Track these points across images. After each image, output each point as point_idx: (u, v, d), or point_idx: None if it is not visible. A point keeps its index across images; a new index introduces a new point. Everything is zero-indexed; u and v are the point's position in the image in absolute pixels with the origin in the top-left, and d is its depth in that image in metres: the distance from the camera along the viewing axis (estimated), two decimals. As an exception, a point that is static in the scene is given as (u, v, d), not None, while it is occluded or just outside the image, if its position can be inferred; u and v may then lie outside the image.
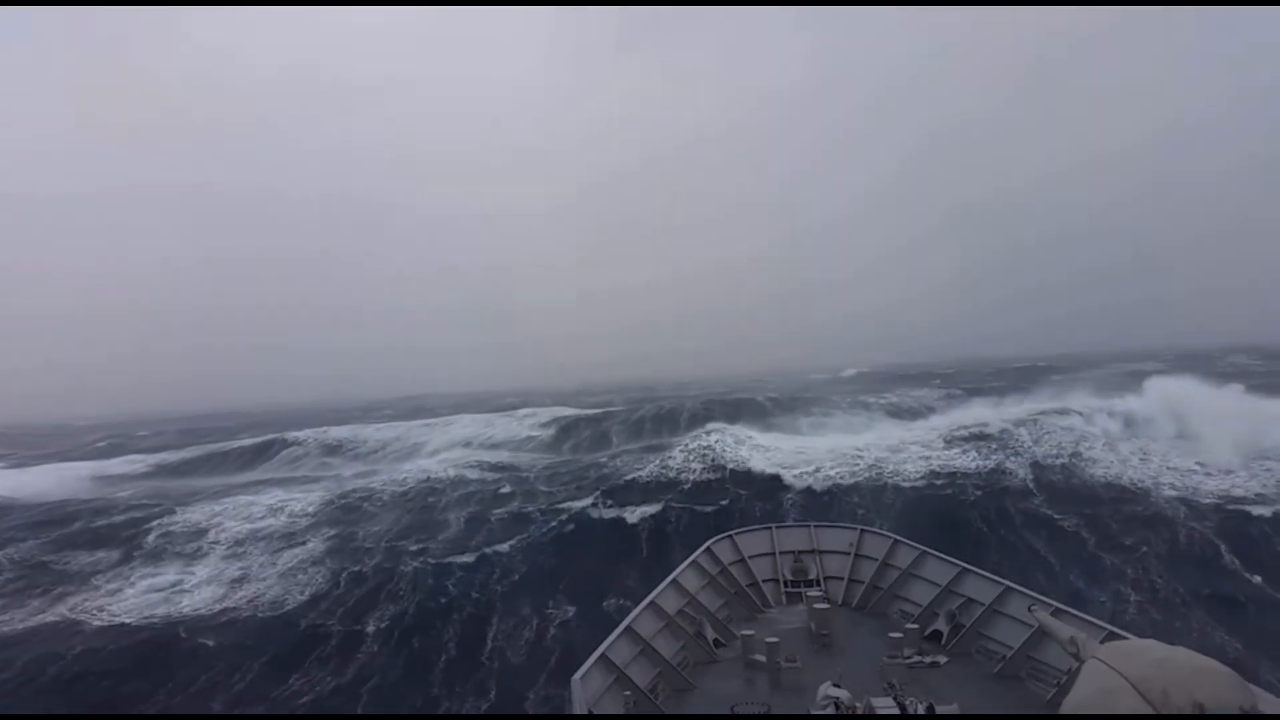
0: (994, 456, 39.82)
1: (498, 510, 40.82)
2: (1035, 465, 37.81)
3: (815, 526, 15.31)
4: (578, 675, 9.58)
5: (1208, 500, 32.16)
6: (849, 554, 14.58)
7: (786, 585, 14.42)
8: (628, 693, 10.17)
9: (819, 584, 14.30)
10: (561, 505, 39.58)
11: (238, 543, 39.83)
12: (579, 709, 8.83)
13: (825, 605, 12.64)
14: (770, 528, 15.35)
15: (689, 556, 13.81)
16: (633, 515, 35.66)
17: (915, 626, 12.07)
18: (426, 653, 26.48)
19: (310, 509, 46.10)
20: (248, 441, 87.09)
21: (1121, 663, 3.98)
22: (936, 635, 12.09)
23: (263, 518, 44.56)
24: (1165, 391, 49.24)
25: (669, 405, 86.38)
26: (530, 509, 39.90)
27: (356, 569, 32.86)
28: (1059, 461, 38.28)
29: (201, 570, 36.42)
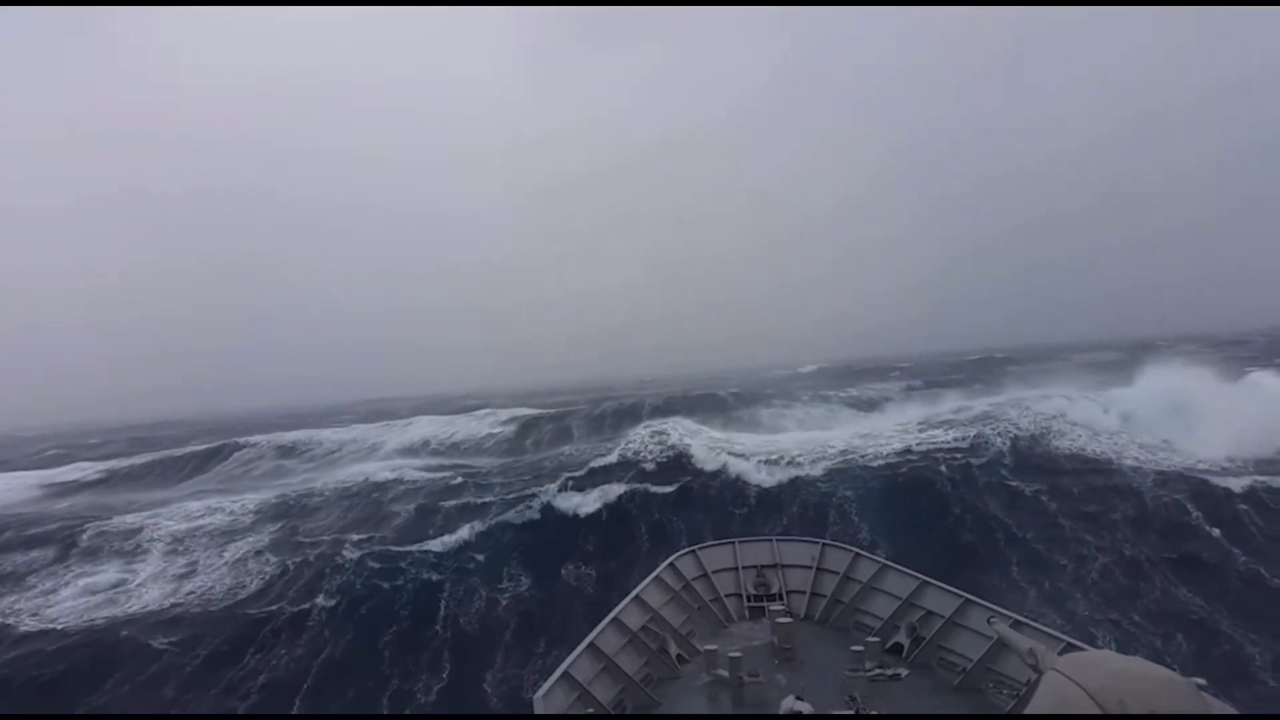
0: (966, 441, 39.61)
1: (455, 500, 40.06)
2: (1011, 446, 37.60)
3: (778, 540, 15.31)
4: (540, 693, 9.55)
5: (1183, 473, 32.21)
6: (811, 568, 14.55)
7: (749, 600, 14.46)
8: (590, 710, 10.19)
9: (781, 598, 14.38)
10: (523, 491, 38.97)
11: (178, 539, 38.63)
12: None
13: (788, 619, 12.64)
14: (733, 542, 15.37)
15: (652, 573, 13.79)
16: (593, 494, 35.17)
17: (876, 639, 12.13)
18: (377, 626, 25.81)
19: (259, 506, 44.96)
20: (200, 446, 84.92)
21: (1079, 673, 3.98)
22: (898, 648, 12.15)
23: (208, 515, 43.35)
24: (1165, 382, 48.53)
25: (630, 402, 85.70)
26: (490, 498, 39.23)
27: (306, 556, 31.87)
28: (1033, 443, 38.04)
29: (146, 568, 35.22)
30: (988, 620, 10.56)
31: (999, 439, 38.52)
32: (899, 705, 9.01)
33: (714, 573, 14.72)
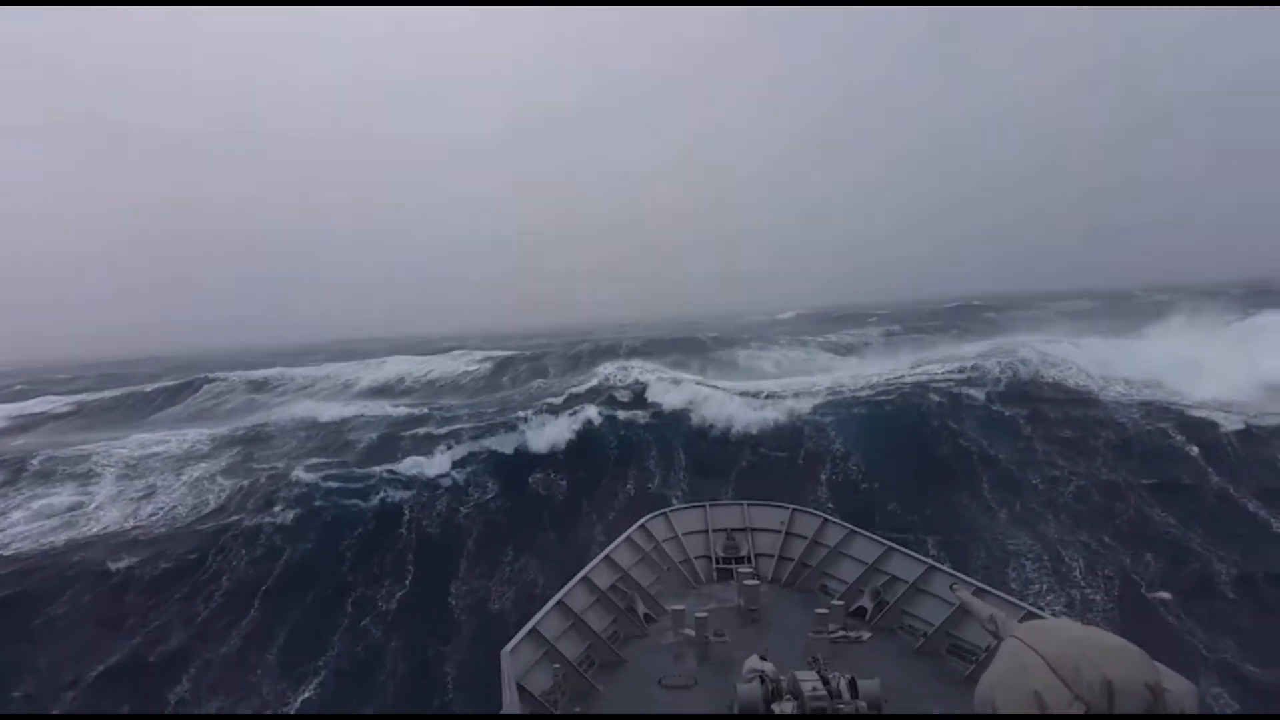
0: (963, 374, 39.24)
1: (425, 428, 39.63)
2: (1009, 379, 37.22)
3: (748, 505, 15.51)
4: (507, 648, 9.53)
5: (1170, 406, 32.06)
6: (780, 532, 14.70)
7: (718, 562, 14.61)
8: (557, 665, 10.17)
9: (750, 561, 14.48)
10: (495, 419, 38.45)
11: (138, 464, 38.05)
12: (508, 681, 8.88)
13: (755, 582, 12.79)
14: (704, 505, 15.65)
15: (623, 534, 13.94)
16: (565, 419, 34.84)
17: (841, 603, 12.21)
18: (338, 535, 25.46)
19: (223, 435, 44.39)
20: (170, 382, 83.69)
21: (1037, 640, 4.02)
22: (861, 612, 12.28)
23: (172, 443, 42.77)
24: (1166, 330, 48.08)
25: (607, 343, 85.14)
26: (462, 425, 38.66)
27: (266, 476, 31.33)
28: (1028, 380, 37.63)
29: (102, 490, 34.62)
30: (950, 587, 10.66)
31: (997, 374, 38.20)
32: (860, 667, 8.91)
33: (684, 535, 14.86)
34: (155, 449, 41.77)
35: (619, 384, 42.69)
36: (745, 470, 30.61)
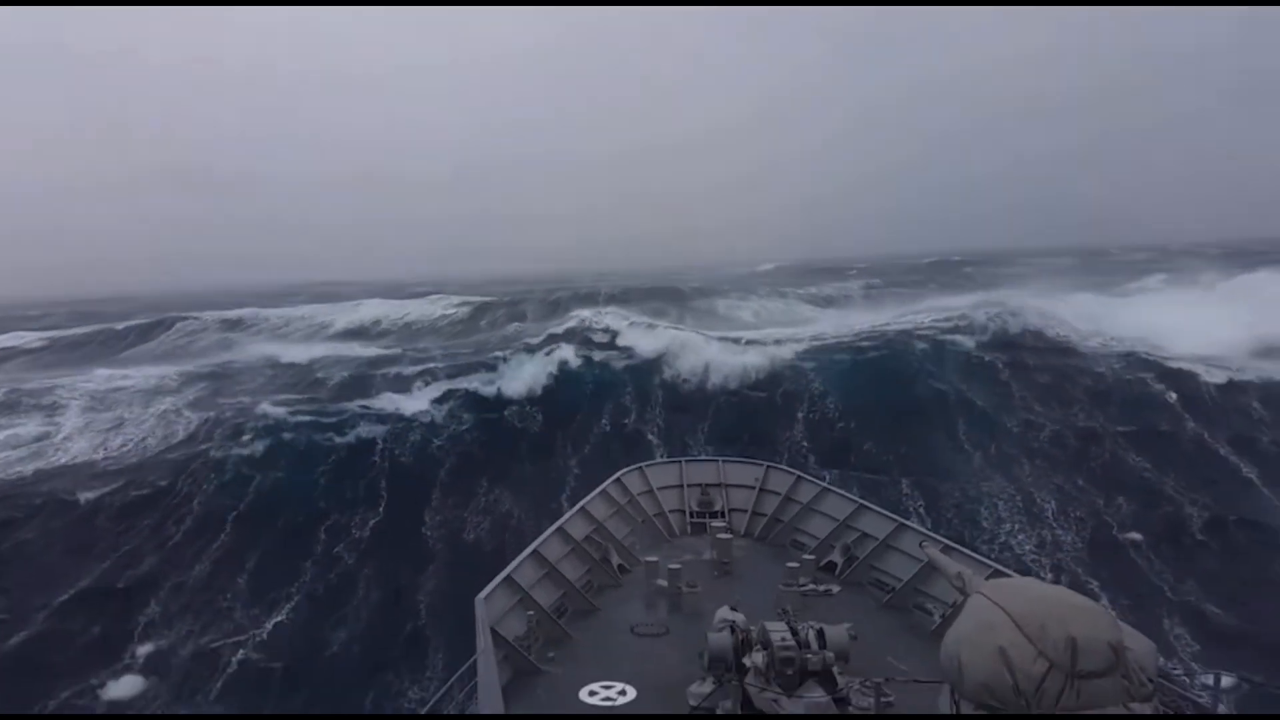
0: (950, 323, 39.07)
1: (400, 368, 39.14)
2: (997, 331, 37.09)
3: (724, 461, 15.77)
4: (482, 595, 9.67)
5: (1155, 359, 32.15)
6: (754, 488, 14.97)
7: (692, 516, 14.80)
8: (530, 612, 10.30)
9: (724, 516, 14.73)
10: (472, 359, 38.12)
11: (109, 396, 37.53)
12: (482, 629, 9.06)
13: (728, 536, 13.10)
14: (680, 461, 15.88)
15: (598, 487, 14.07)
16: (540, 358, 34.64)
17: (812, 558, 12.48)
18: (311, 463, 25.26)
19: (192, 372, 43.79)
20: (142, 320, 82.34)
21: (1003, 598, 4.23)
22: (831, 566, 12.55)
23: (139, 379, 42.13)
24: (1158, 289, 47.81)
25: (585, 290, 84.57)
26: (438, 364, 38.27)
27: (236, 410, 30.90)
28: (1015, 332, 37.37)
29: (70, 421, 34.12)
30: (919, 544, 10.80)
31: (984, 324, 37.81)
32: (829, 619, 8.96)
33: (659, 489, 15.01)
34: (123, 383, 41.12)
35: (596, 327, 42.38)
36: (721, 409, 30.57)
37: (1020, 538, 22.25)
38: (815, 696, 8.06)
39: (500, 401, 30.53)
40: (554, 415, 29.84)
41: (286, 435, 26.98)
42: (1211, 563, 21.47)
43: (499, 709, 8.31)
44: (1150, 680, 4.14)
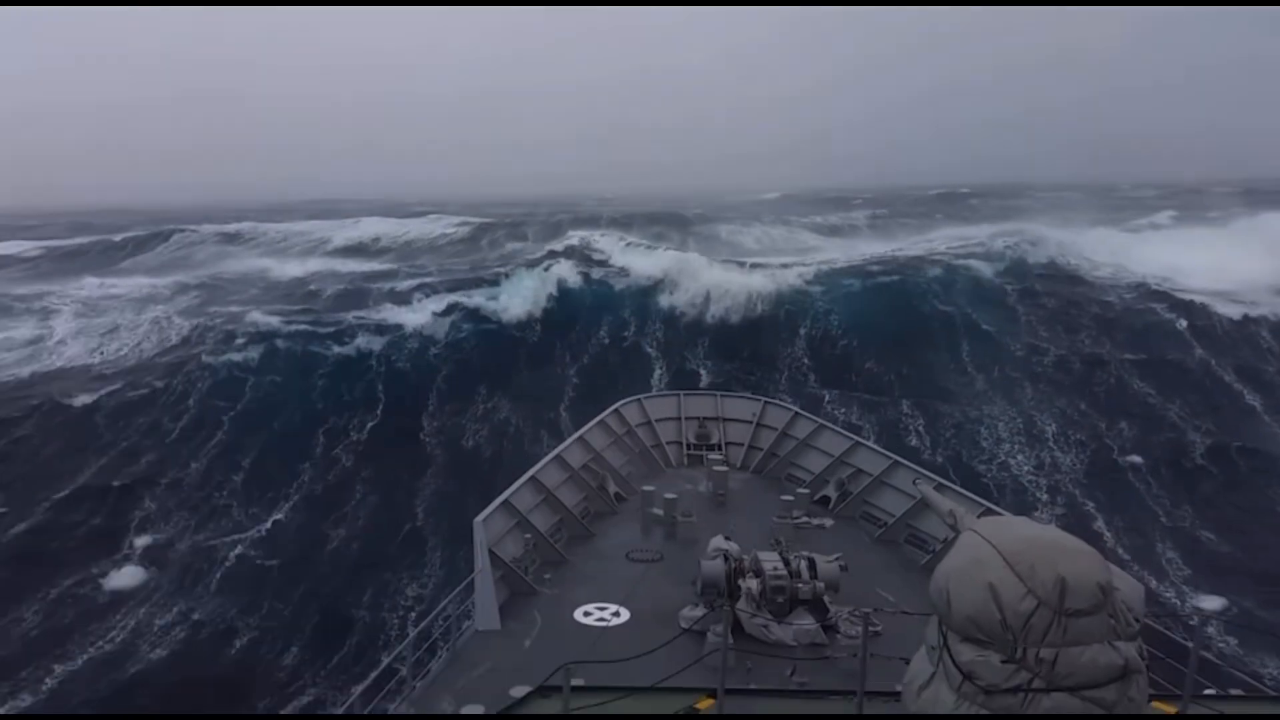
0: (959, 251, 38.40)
1: (399, 282, 38.81)
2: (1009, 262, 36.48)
3: (721, 395, 15.99)
4: (480, 517, 9.88)
5: (1166, 291, 31.77)
6: (751, 423, 15.18)
7: (689, 448, 15.05)
8: (528, 535, 10.57)
9: (720, 449, 14.97)
10: (470, 274, 37.75)
11: (104, 303, 37.34)
12: (480, 549, 9.33)
13: (724, 468, 13.35)
14: (678, 394, 16.07)
15: (598, 416, 14.31)
16: (538, 274, 34.20)
17: (806, 492, 12.76)
18: (310, 366, 25.22)
19: (187, 282, 43.46)
20: (140, 232, 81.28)
21: (995, 535, 4.28)
22: (825, 500, 12.80)
23: (132, 287, 41.94)
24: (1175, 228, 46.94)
25: (588, 214, 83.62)
26: (440, 279, 38.03)
27: (233, 319, 30.58)
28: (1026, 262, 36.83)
29: (62, 326, 34.01)
30: (913, 481, 10.89)
31: (1001, 252, 37.35)
32: (821, 552, 9.30)
33: (657, 421, 15.15)
34: (115, 291, 41.00)
35: (598, 248, 41.77)
36: (722, 327, 30.26)
37: (1019, 458, 22.24)
38: (804, 624, 8.46)
39: (499, 314, 30.22)
40: (553, 328, 29.62)
41: (281, 342, 26.82)
42: (1210, 489, 21.46)
43: (495, 626, 8.91)
44: (1136, 620, 4.19)
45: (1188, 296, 30.86)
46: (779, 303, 31.41)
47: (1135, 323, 28.84)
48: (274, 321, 29.13)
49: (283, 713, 18.09)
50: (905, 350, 27.42)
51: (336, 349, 26.60)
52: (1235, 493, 21.48)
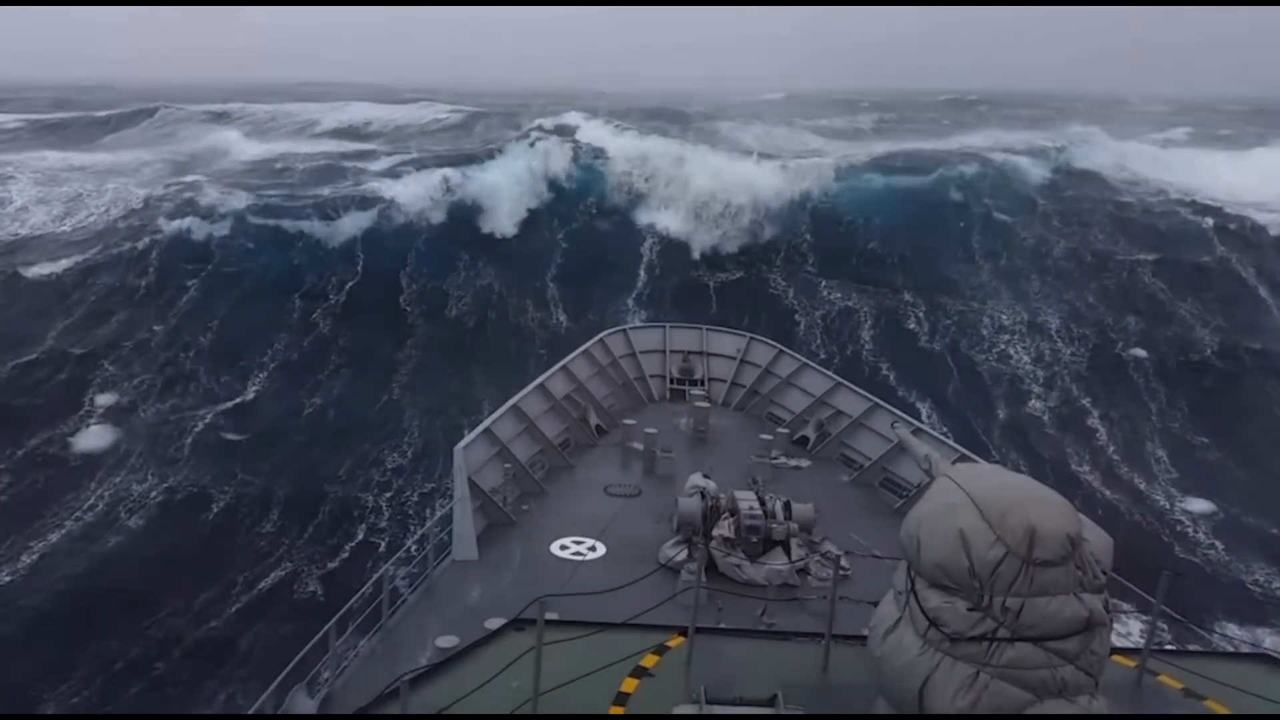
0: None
1: (379, 163, 37.58)
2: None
3: (707, 329, 15.87)
4: (460, 445, 9.95)
5: (1194, 199, 30.73)
6: (735, 359, 15.14)
7: (672, 382, 15.08)
8: (508, 465, 10.62)
9: (703, 384, 15.02)
10: (462, 152, 36.62)
11: (67, 174, 36.19)
12: (460, 476, 9.43)
13: (706, 404, 13.47)
14: (664, 326, 16.04)
15: (581, 346, 14.23)
16: (532, 147, 33.01)
17: (786, 431, 12.83)
18: (285, 233, 24.45)
19: (167, 156, 42.13)
20: (125, 109, 78.72)
21: (968, 482, 4.32)
22: (804, 441, 12.87)
23: (106, 159, 40.70)
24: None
25: (586, 107, 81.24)
26: (424, 155, 36.68)
27: (209, 192, 29.36)
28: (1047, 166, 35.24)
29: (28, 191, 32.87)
30: (891, 424, 10.96)
31: (1043, 150, 36.32)
32: (797, 492, 9.50)
33: (641, 353, 15.09)
34: (81, 162, 39.82)
35: (593, 135, 40.11)
36: (717, 211, 29.13)
37: (1019, 348, 21.66)
38: (777, 564, 8.60)
39: (485, 185, 29.05)
40: (541, 205, 28.48)
41: (253, 215, 25.69)
42: (1212, 388, 21.00)
43: (472, 556, 9.03)
44: (1105, 573, 4.18)
45: (1218, 204, 29.96)
46: (782, 193, 29.99)
47: (1166, 225, 28.10)
48: (244, 195, 27.94)
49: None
50: (913, 234, 26.51)
51: (315, 219, 25.52)
52: (1237, 393, 20.99)
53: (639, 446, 11.85)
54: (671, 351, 15.36)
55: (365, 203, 26.82)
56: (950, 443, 10.86)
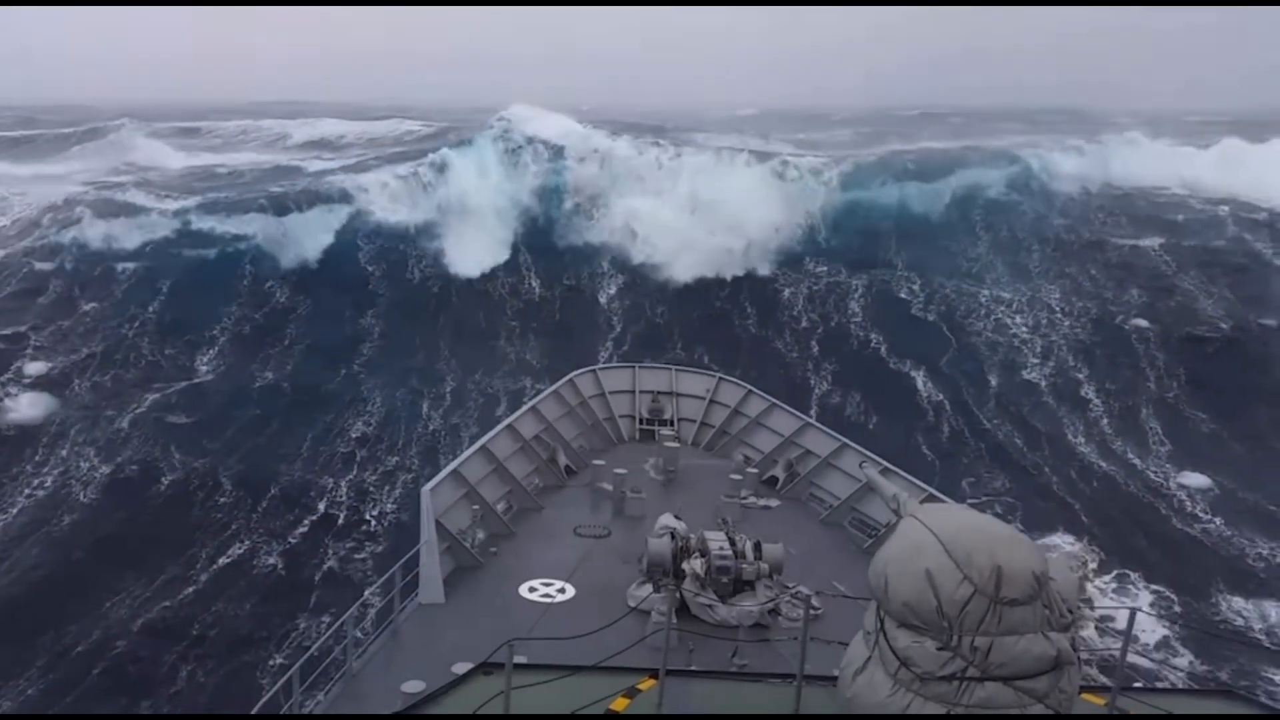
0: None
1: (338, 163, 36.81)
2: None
3: (676, 370, 15.93)
4: (428, 486, 9.95)
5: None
6: (705, 399, 15.13)
7: (642, 423, 15.08)
8: (476, 507, 10.59)
9: (673, 424, 14.98)
10: (430, 147, 35.88)
11: None
12: (427, 518, 9.38)
13: (675, 444, 13.53)
14: (633, 366, 16.04)
15: (550, 387, 14.32)
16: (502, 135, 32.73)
17: (755, 471, 12.89)
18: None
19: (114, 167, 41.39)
20: (93, 124, 77.55)
21: (935, 522, 4.32)
22: (773, 481, 12.92)
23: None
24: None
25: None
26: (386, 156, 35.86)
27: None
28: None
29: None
30: (859, 464, 11.01)
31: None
32: (767, 532, 9.44)
33: (611, 393, 15.11)
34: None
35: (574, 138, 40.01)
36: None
37: (1018, 319, 21.04)
38: (748, 605, 8.57)
39: (447, 170, 28.67)
40: (503, 180, 28.38)
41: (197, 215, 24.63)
42: (1213, 359, 20.43)
43: (439, 599, 8.87)
44: (1070, 611, 4.23)
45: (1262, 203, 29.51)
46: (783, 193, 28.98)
47: (1161, 211, 27.98)
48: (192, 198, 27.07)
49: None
50: (911, 222, 25.89)
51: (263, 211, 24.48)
52: (1243, 370, 20.41)
53: (608, 487, 11.84)
54: (641, 392, 15.29)
55: (322, 196, 25.93)
56: (918, 482, 10.69)
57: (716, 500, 11.50)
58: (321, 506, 15.01)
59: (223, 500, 14.87)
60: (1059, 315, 21.06)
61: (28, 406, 16.70)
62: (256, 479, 15.44)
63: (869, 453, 12.21)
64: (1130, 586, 14.52)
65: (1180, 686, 8.18)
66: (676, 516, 9.61)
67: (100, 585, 12.66)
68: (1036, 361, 19.82)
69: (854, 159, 34.81)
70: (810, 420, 13.51)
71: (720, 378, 15.36)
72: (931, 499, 9.66)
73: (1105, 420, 18.73)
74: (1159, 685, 7.76)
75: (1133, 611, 5.72)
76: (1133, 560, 15.04)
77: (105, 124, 75.72)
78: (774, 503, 11.98)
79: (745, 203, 26.56)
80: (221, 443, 16.31)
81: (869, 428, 17.97)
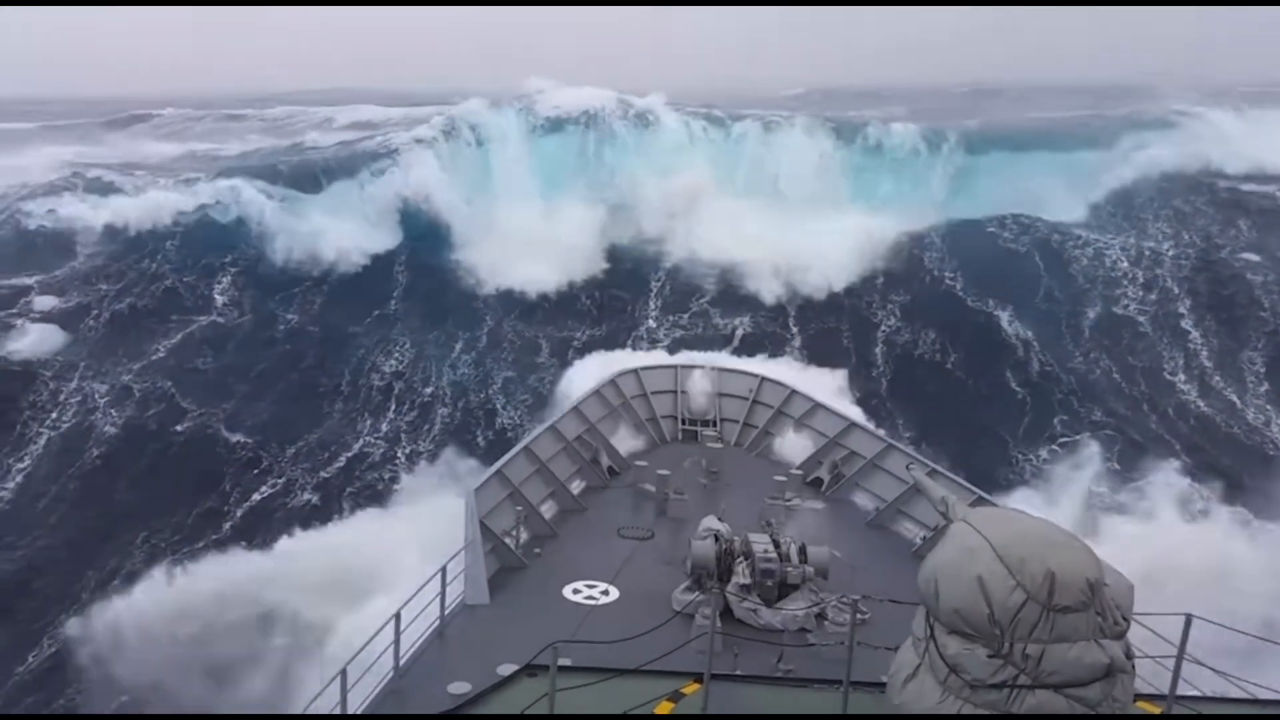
0: None
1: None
2: None
3: (720, 371, 15.85)
4: (474, 487, 10.07)
5: None
6: (748, 399, 15.01)
7: (684, 423, 15.07)
8: (520, 508, 10.58)
9: (715, 425, 14.90)
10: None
11: None
12: (472, 520, 9.42)
13: (719, 445, 13.48)
14: (675, 367, 16.02)
15: (593, 387, 14.24)
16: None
17: (799, 472, 12.72)
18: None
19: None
20: (135, 112, 79.22)
21: (987, 527, 4.27)
22: (818, 482, 12.78)
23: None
24: None
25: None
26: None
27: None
28: None
29: None
30: (906, 466, 10.75)
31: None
32: (811, 535, 9.35)
33: (653, 394, 14.93)
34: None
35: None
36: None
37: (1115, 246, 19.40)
38: (794, 609, 8.53)
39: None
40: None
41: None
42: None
43: (484, 600, 8.94)
44: (1125, 619, 4.13)
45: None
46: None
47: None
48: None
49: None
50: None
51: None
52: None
53: (651, 488, 11.87)
54: (683, 392, 15.04)
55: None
56: (967, 485, 10.69)
57: (760, 502, 11.47)
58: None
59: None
60: (1164, 247, 19.52)
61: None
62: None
63: (916, 454, 12.19)
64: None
65: (1240, 696, 7.25)
66: (720, 518, 9.62)
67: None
68: (1140, 294, 18.30)
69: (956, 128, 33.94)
70: (855, 421, 13.28)
71: (763, 379, 14.93)
72: (981, 502, 9.67)
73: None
74: (1213, 694, 7.19)
75: (1188, 618, 5.55)
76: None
77: (148, 111, 77.76)
78: (819, 504, 11.90)
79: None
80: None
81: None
